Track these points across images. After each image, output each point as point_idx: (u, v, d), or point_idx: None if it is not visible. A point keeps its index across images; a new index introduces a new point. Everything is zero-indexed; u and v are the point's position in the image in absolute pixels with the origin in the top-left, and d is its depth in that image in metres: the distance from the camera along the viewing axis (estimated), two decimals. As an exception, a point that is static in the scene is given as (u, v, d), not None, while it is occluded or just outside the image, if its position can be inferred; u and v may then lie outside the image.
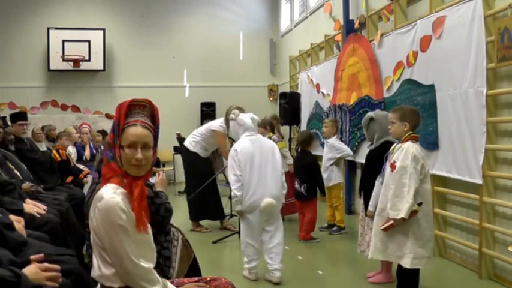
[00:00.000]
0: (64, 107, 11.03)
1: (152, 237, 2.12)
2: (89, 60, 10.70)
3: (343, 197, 6.48)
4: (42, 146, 5.92)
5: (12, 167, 4.59)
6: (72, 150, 7.26)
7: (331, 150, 6.05)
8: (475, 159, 4.21)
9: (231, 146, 5.29)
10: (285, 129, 8.61)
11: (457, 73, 4.43)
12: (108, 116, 10.81)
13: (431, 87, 4.86)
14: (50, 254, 2.76)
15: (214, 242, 5.54)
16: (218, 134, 6.11)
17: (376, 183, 3.83)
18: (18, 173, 4.59)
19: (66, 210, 4.37)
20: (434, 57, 4.82)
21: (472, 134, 4.24)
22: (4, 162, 4.47)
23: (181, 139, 8.43)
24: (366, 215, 4.12)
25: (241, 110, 5.80)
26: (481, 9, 4.11)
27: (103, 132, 8.90)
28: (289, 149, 7.74)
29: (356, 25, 6.90)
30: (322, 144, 7.06)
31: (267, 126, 6.30)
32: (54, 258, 2.67)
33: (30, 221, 3.55)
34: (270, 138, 6.27)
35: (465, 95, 4.32)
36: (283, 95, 8.33)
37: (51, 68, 10.68)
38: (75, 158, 7.21)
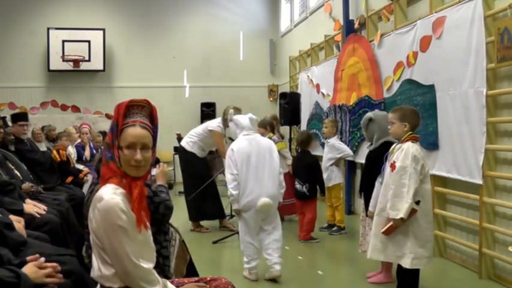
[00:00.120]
0: (64, 107, 11.03)
1: (152, 237, 2.12)
2: (88, 60, 10.70)
3: (343, 197, 6.48)
4: (42, 146, 5.92)
5: (12, 167, 4.59)
6: (72, 151, 7.26)
7: (332, 150, 6.05)
8: (475, 160, 4.21)
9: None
10: (285, 129, 8.61)
11: (457, 73, 4.43)
12: (108, 116, 10.80)
13: (431, 88, 4.86)
14: (50, 254, 2.76)
15: (215, 242, 5.54)
16: (216, 134, 6.12)
17: (376, 184, 3.83)
18: (18, 173, 4.59)
19: (66, 211, 4.37)
20: (434, 58, 4.82)
21: (472, 134, 4.24)
22: (4, 162, 4.47)
23: (181, 139, 8.42)
24: (366, 215, 4.13)
25: (238, 110, 5.84)
26: (481, 9, 4.11)
27: (104, 133, 8.90)
28: (290, 150, 7.73)
29: (356, 25, 6.90)
30: (323, 145, 7.06)
31: (267, 127, 6.30)
32: (54, 259, 2.67)
33: (30, 221, 3.55)
34: (270, 138, 6.29)
35: (465, 95, 4.32)
36: (283, 95, 8.33)
37: (51, 68, 10.68)
38: (75, 158, 7.21)
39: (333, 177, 5.98)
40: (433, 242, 3.71)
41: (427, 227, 3.47)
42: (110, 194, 1.92)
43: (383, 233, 3.48)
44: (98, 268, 1.96)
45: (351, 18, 7.04)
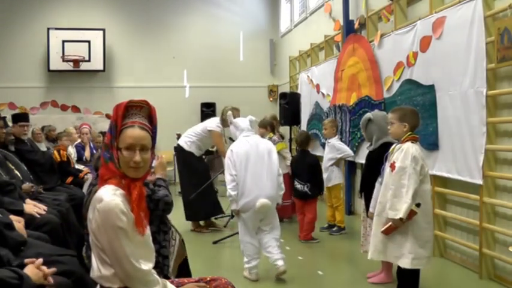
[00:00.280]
0: (64, 108, 11.04)
1: (151, 237, 2.12)
2: (89, 60, 10.71)
3: (343, 197, 6.48)
4: (42, 147, 5.92)
5: (13, 167, 4.59)
6: (72, 151, 7.26)
7: (332, 150, 6.04)
8: (475, 160, 4.21)
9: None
10: (285, 129, 8.62)
11: (457, 73, 4.43)
12: (108, 117, 10.80)
13: (431, 88, 4.86)
14: (50, 254, 2.76)
15: (215, 242, 5.55)
16: (215, 134, 6.12)
17: (377, 184, 3.83)
18: (18, 174, 4.59)
19: (66, 211, 4.37)
20: (434, 58, 4.82)
21: (472, 134, 4.24)
22: (4, 162, 4.47)
23: (181, 139, 8.42)
24: (367, 216, 4.13)
25: (237, 111, 5.86)
26: (481, 9, 4.10)
27: (104, 134, 8.89)
28: (290, 150, 7.74)
29: (356, 25, 6.90)
30: (323, 145, 7.06)
31: (268, 127, 6.31)
32: (54, 259, 2.67)
33: (31, 221, 3.55)
34: (270, 138, 6.29)
35: (465, 95, 4.32)
36: (283, 96, 8.34)
37: (51, 68, 10.69)
38: (75, 159, 7.21)
39: (333, 177, 5.98)
40: (433, 242, 3.72)
41: (427, 227, 3.47)
42: (110, 195, 1.91)
43: (382, 232, 3.48)
44: (98, 268, 1.96)
45: (350, 18, 7.04)
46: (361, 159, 6.23)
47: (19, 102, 10.70)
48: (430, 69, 4.89)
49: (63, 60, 10.56)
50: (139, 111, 2.05)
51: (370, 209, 3.93)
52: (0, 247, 2.52)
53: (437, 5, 4.86)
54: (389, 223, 3.41)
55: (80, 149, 7.60)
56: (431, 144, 4.82)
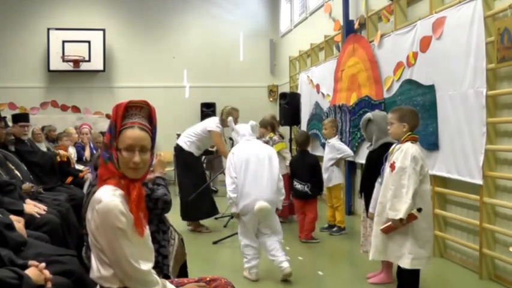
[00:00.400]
0: (64, 108, 11.03)
1: (150, 237, 2.12)
2: (89, 60, 10.70)
3: (343, 197, 6.48)
4: (42, 147, 5.93)
5: (13, 167, 4.59)
6: (72, 151, 7.26)
7: (332, 150, 6.05)
8: (475, 160, 4.21)
9: (232, 146, 5.33)
10: (285, 129, 8.61)
11: (457, 74, 4.43)
12: (108, 117, 10.78)
13: (431, 88, 4.86)
14: (50, 254, 2.76)
15: (215, 243, 5.55)
16: (215, 134, 6.13)
17: (377, 184, 3.83)
18: (18, 174, 4.59)
19: (66, 211, 4.37)
20: (434, 58, 4.82)
21: (472, 134, 4.24)
22: (4, 162, 4.47)
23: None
24: (367, 216, 4.12)
25: (236, 111, 5.88)
26: (481, 9, 4.10)
27: (104, 134, 8.88)
28: (290, 150, 7.74)
29: (356, 26, 6.90)
30: (323, 145, 7.06)
31: (268, 127, 6.30)
32: (54, 259, 2.67)
33: (31, 221, 3.55)
34: (271, 138, 6.30)
35: (465, 95, 4.32)
36: (283, 96, 8.34)
37: (51, 68, 10.68)
38: (75, 159, 7.21)
39: (333, 177, 5.98)
40: (434, 242, 3.71)
41: (427, 227, 3.47)
42: (109, 196, 1.91)
43: (381, 230, 3.48)
44: (97, 269, 1.96)
45: (350, 18, 7.04)
46: (361, 159, 6.23)
47: (19, 102, 10.69)
48: (430, 70, 4.88)
49: (63, 61, 10.55)
50: (139, 111, 2.04)
51: (370, 209, 3.93)
52: (0, 247, 2.52)
53: (437, 5, 4.86)
54: (389, 223, 3.41)
55: (80, 149, 7.60)
56: (431, 144, 4.81)
